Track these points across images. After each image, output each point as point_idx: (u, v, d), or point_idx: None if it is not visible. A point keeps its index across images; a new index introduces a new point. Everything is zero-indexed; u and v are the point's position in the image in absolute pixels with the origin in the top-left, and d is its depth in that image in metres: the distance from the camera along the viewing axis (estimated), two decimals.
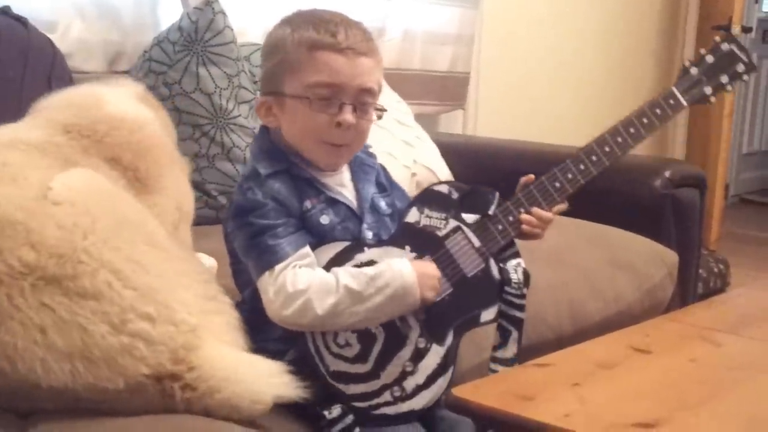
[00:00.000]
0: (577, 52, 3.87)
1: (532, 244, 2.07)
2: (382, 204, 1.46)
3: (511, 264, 1.45)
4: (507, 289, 1.43)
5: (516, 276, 1.44)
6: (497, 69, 3.45)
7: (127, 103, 1.59)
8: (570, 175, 1.50)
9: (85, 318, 1.15)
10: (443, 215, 1.44)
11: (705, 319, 1.69)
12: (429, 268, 1.39)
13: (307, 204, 1.36)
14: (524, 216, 1.46)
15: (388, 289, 1.33)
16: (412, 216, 1.44)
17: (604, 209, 2.39)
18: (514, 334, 1.44)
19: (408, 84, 2.87)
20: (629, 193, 2.46)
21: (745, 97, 5.92)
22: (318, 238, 1.35)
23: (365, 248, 1.37)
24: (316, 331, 1.35)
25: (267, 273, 1.31)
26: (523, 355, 1.62)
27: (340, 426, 1.31)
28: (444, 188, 1.47)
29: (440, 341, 1.41)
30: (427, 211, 1.44)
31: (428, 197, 1.46)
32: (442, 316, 1.41)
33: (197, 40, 2.15)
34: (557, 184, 1.49)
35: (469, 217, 1.45)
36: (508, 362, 1.44)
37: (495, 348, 1.44)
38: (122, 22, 2.24)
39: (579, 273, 2.06)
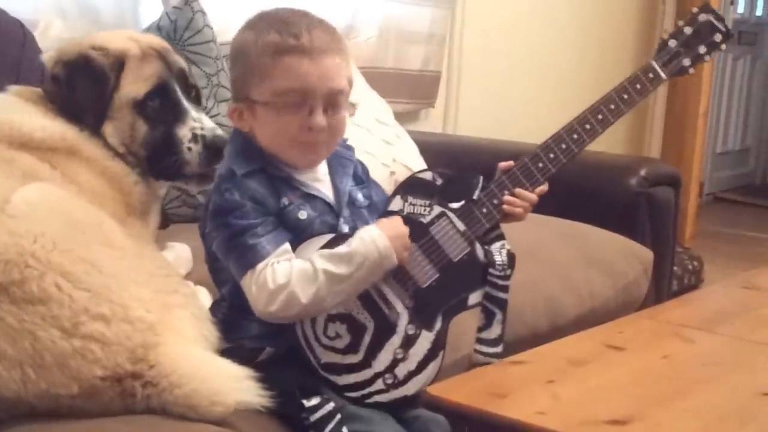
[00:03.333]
0: (555, 51, 3.88)
1: (508, 241, 2.10)
2: (360, 196, 1.46)
3: (496, 246, 1.46)
4: (491, 270, 1.44)
5: (500, 258, 1.45)
6: (476, 68, 3.46)
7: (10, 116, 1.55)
8: (552, 155, 1.51)
9: (34, 324, 1.14)
10: (427, 202, 1.45)
11: (679, 316, 1.71)
12: (398, 228, 1.39)
13: (285, 201, 1.36)
14: (508, 197, 1.47)
15: (366, 262, 1.33)
16: (396, 204, 1.45)
17: (579, 207, 2.40)
18: (499, 315, 1.45)
19: (382, 82, 2.88)
20: (605, 191, 2.48)
21: (720, 97, 5.97)
22: (297, 233, 1.36)
23: (349, 239, 1.36)
24: (306, 324, 1.36)
25: (249, 272, 1.32)
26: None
27: (320, 413, 1.31)
28: (427, 175, 1.48)
29: (429, 327, 1.42)
30: (410, 198, 1.45)
31: (412, 185, 1.47)
32: (430, 302, 1.42)
33: (176, 39, 2.14)
34: (540, 165, 1.50)
35: (454, 203, 1.46)
36: (492, 343, 1.45)
37: (480, 329, 1.45)
38: (102, 21, 2.23)
39: (554, 270, 2.08)
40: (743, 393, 1.37)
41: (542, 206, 2.37)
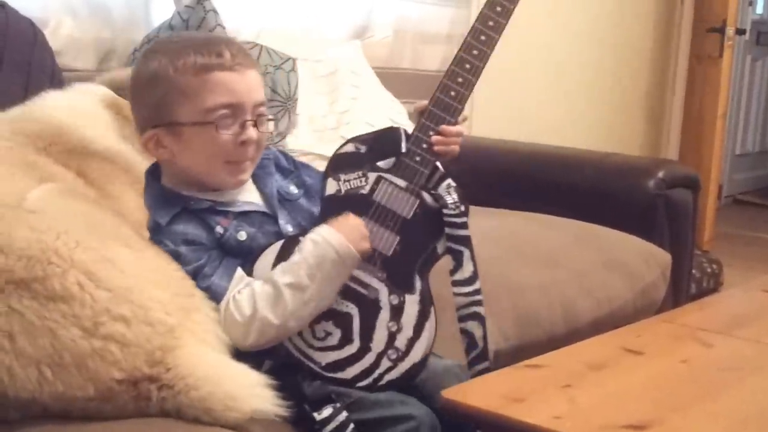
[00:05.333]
0: (572, 54, 3.86)
1: (523, 246, 2.09)
2: (291, 188, 1.45)
3: (443, 187, 1.44)
4: (445, 212, 1.42)
5: (451, 197, 1.42)
6: (492, 69, 3.43)
7: (74, 117, 1.56)
8: (460, 79, 1.47)
9: (55, 322, 1.13)
10: (360, 173, 1.43)
11: (697, 320, 1.69)
12: (348, 220, 1.37)
13: (219, 229, 1.34)
14: (435, 137, 1.44)
15: (325, 264, 1.32)
16: (331, 187, 1.43)
17: (597, 209, 2.39)
18: (466, 252, 1.42)
19: (398, 82, 2.86)
20: (622, 193, 2.46)
21: (739, 98, 5.93)
22: (243, 255, 1.35)
23: (300, 239, 1.35)
24: (293, 337, 1.35)
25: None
26: (515, 356, 1.62)
27: (333, 425, 1.30)
28: (349, 147, 1.45)
29: (411, 290, 1.40)
30: (342, 176, 1.43)
31: (338, 163, 1.45)
32: (402, 266, 1.41)
33: None
34: (452, 93, 1.46)
35: (385, 163, 1.43)
36: (468, 282, 1.42)
37: (452, 272, 1.42)
38: (113, 20, 2.23)
39: (572, 273, 2.05)
40: (763, 398, 1.34)
41: (559, 208, 2.40)
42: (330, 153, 1.48)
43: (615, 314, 2.06)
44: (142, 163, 1.54)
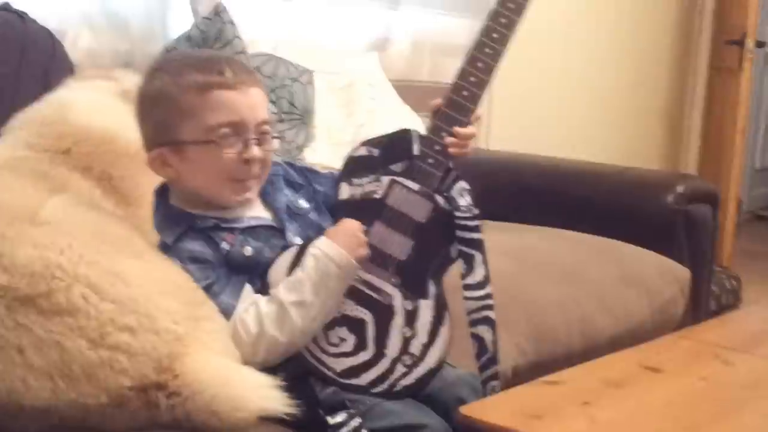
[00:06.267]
0: (589, 67, 3.85)
1: (540, 261, 2.07)
2: (301, 202, 1.45)
3: (456, 190, 1.42)
4: (458, 214, 1.40)
5: (463, 200, 1.41)
6: (510, 82, 3.42)
7: (94, 113, 1.57)
8: (473, 79, 1.46)
9: (62, 335, 1.14)
10: (372, 176, 1.42)
11: (717, 337, 1.68)
12: (345, 227, 1.37)
13: (225, 246, 1.34)
14: (448, 140, 1.43)
15: (328, 279, 1.32)
16: (345, 192, 1.43)
17: (615, 224, 2.38)
18: (478, 256, 1.40)
19: (416, 95, 2.85)
20: (641, 208, 2.44)
21: (758, 113, 5.89)
22: (250, 270, 1.35)
23: (302, 259, 1.35)
24: (308, 343, 1.35)
25: None
26: (533, 372, 1.60)
27: (345, 430, 1.30)
28: (362, 150, 1.45)
29: (424, 295, 1.40)
30: (355, 180, 1.43)
31: (352, 167, 1.44)
32: (416, 271, 1.40)
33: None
34: (465, 93, 1.45)
35: (398, 166, 1.42)
36: (479, 286, 1.40)
37: (464, 276, 1.41)
38: (131, 32, 2.23)
39: (590, 289, 2.04)
40: None
41: (577, 223, 2.38)
42: None
43: (633, 330, 2.04)
44: None
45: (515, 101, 3.49)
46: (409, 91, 2.81)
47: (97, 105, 1.61)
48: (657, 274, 2.23)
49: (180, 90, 1.32)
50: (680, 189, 2.42)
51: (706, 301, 2.49)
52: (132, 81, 1.71)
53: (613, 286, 2.10)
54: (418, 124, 2.61)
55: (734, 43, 4.14)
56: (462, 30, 3.08)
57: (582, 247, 2.21)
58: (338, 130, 2.41)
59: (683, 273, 2.31)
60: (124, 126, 1.56)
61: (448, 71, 3.03)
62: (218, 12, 2.18)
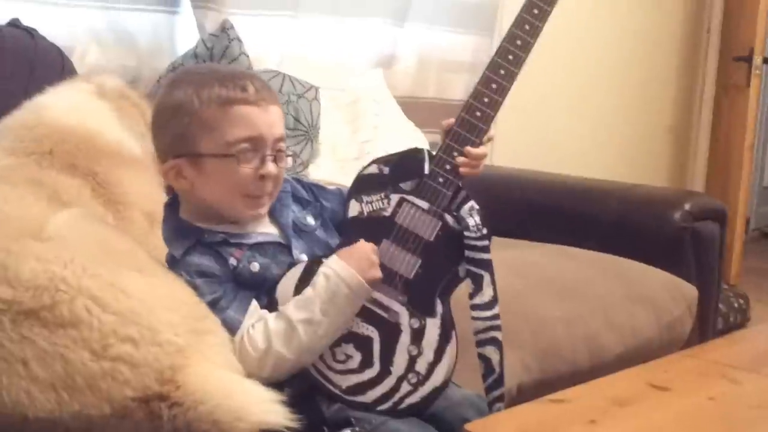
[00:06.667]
0: (596, 83, 3.85)
1: (546, 278, 2.07)
2: (308, 219, 1.45)
3: (465, 209, 1.42)
4: (467, 234, 1.40)
5: (473, 220, 1.41)
6: (517, 98, 3.42)
7: (72, 113, 1.57)
8: (486, 99, 1.46)
9: (65, 347, 1.15)
10: (382, 194, 1.42)
11: (725, 356, 1.67)
12: (358, 249, 1.37)
13: (233, 261, 1.34)
14: (459, 159, 1.43)
15: (338, 299, 1.32)
16: (354, 209, 1.43)
17: (622, 242, 2.37)
18: (486, 276, 1.40)
19: (422, 111, 2.86)
20: (648, 225, 2.43)
21: (766, 130, 5.88)
22: (257, 286, 1.35)
23: (313, 278, 1.35)
24: (315, 361, 1.35)
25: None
26: (538, 389, 1.60)
27: None
28: (373, 168, 1.45)
29: (432, 313, 1.40)
30: (365, 198, 1.43)
31: (362, 184, 1.45)
32: (424, 289, 1.40)
33: None
34: (478, 114, 1.45)
35: (408, 184, 1.43)
36: (487, 306, 1.40)
37: (471, 295, 1.41)
38: (139, 48, 2.25)
39: (596, 306, 2.03)
40: None
41: (584, 240, 2.38)
42: (351, 183, 1.47)
43: (640, 349, 2.03)
44: (144, 147, 1.53)
45: (522, 118, 3.49)
46: (415, 108, 2.82)
47: (74, 105, 1.62)
48: (664, 292, 2.22)
49: (201, 103, 1.33)
50: (687, 206, 2.41)
51: (713, 320, 2.48)
52: (113, 82, 1.71)
53: (619, 303, 2.09)
54: (422, 140, 2.61)
55: (742, 60, 4.14)
56: (468, 47, 3.09)
57: (588, 265, 2.20)
58: (343, 146, 2.42)
59: (690, 291, 2.30)
60: (101, 124, 1.57)
61: (453, 88, 3.06)
62: (225, 29, 2.19)
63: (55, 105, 1.60)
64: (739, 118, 4.16)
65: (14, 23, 1.96)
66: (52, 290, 1.17)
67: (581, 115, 3.81)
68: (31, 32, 1.96)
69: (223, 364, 1.26)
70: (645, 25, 4.01)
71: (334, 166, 2.35)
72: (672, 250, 2.38)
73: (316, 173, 2.29)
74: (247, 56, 2.22)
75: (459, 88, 3.09)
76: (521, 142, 3.47)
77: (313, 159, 2.34)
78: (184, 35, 2.34)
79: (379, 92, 2.65)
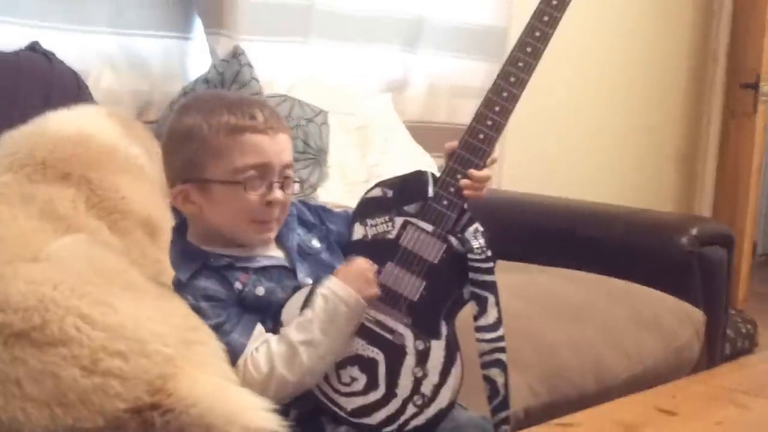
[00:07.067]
0: (604, 108, 3.86)
1: (553, 302, 2.07)
2: (314, 242, 1.45)
3: (469, 231, 1.42)
4: (471, 256, 1.40)
5: (477, 242, 1.41)
6: (524, 123, 3.44)
7: (69, 121, 1.58)
8: (489, 122, 1.46)
9: (56, 364, 1.17)
10: (386, 217, 1.43)
11: (733, 381, 1.67)
12: (354, 266, 1.38)
13: (238, 285, 1.35)
14: (463, 182, 1.43)
15: (337, 319, 1.33)
16: (358, 233, 1.44)
17: (629, 266, 2.37)
18: (491, 298, 1.40)
19: (432, 136, 2.87)
20: (656, 250, 2.43)
21: None
22: (262, 310, 1.35)
23: (311, 299, 1.35)
24: (319, 381, 1.36)
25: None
26: (545, 413, 1.60)
27: None
28: (377, 192, 1.46)
29: (437, 335, 1.40)
30: (369, 221, 1.44)
31: (365, 207, 1.45)
32: (428, 311, 1.40)
33: None
34: (481, 136, 1.45)
35: (412, 207, 1.43)
36: (492, 328, 1.40)
37: (476, 317, 1.41)
38: (151, 73, 2.27)
39: (603, 330, 2.03)
40: None
41: (591, 265, 2.38)
42: None
43: (647, 373, 2.02)
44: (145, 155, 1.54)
45: (529, 142, 3.51)
46: (425, 133, 2.83)
47: (72, 115, 1.63)
48: (671, 317, 2.22)
49: (211, 129, 1.34)
50: (694, 231, 2.41)
51: (721, 345, 2.47)
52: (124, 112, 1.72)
53: (627, 328, 2.09)
54: (431, 164, 2.62)
55: (748, 86, 4.15)
56: (477, 73, 3.11)
57: (595, 289, 2.20)
58: (352, 169, 2.43)
59: (698, 316, 2.29)
60: (97, 129, 1.57)
61: (463, 113, 3.07)
62: (236, 54, 2.21)
63: (53, 116, 1.61)
64: (746, 143, 4.17)
65: (33, 47, 1.99)
66: (42, 311, 1.19)
67: (588, 139, 3.82)
68: (48, 56, 1.98)
69: (214, 372, 1.26)
70: (652, 52, 4.03)
71: (343, 189, 2.36)
72: (679, 275, 2.38)
73: (325, 196, 2.30)
74: (258, 81, 2.24)
75: (469, 113, 3.08)
76: (528, 167, 3.49)
77: (321, 182, 2.36)
78: (196, 60, 2.36)
79: (388, 117, 2.66)
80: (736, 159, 4.23)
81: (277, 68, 2.49)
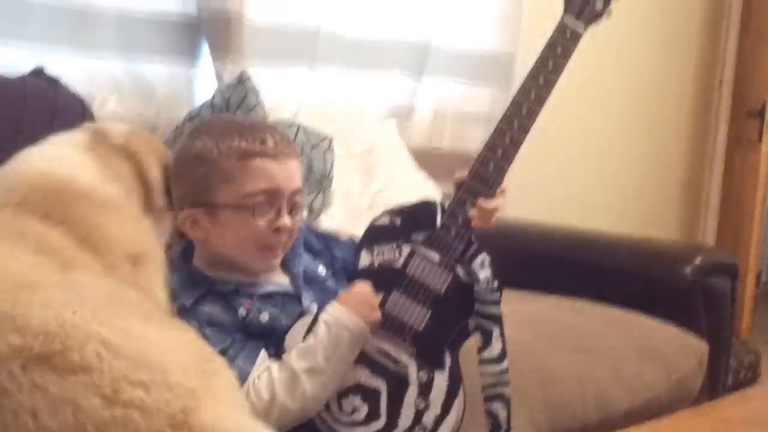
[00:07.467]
0: (607, 136, 3.87)
1: (555, 332, 2.06)
2: (319, 269, 1.46)
3: (477, 262, 1.42)
4: (477, 288, 1.40)
5: (483, 273, 1.41)
6: (528, 150, 3.43)
7: (46, 162, 1.56)
8: (500, 151, 1.46)
9: (76, 392, 1.13)
10: (394, 245, 1.43)
11: (735, 414, 1.66)
12: (357, 291, 1.37)
13: (242, 311, 1.36)
14: (472, 212, 1.43)
15: (340, 346, 1.33)
16: (365, 260, 1.44)
17: (631, 295, 2.36)
18: (496, 331, 1.40)
19: (438, 163, 2.88)
20: (659, 279, 2.42)
21: None
22: (266, 336, 1.36)
23: (314, 326, 1.35)
24: (321, 410, 1.35)
25: None
26: None
27: None
28: (385, 220, 1.46)
29: (440, 366, 1.40)
30: (376, 248, 1.44)
31: (373, 235, 1.46)
32: (433, 342, 1.40)
33: None
34: (491, 166, 1.45)
35: (420, 236, 1.43)
36: (497, 360, 1.40)
37: (480, 349, 1.41)
38: (157, 98, 2.28)
39: (605, 360, 2.02)
40: None
41: (593, 293, 2.37)
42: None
43: (649, 404, 2.01)
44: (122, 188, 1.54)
45: (531, 168, 3.50)
46: (430, 159, 2.84)
47: (49, 155, 1.60)
48: (674, 347, 2.21)
49: (221, 153, 1.35)
50: (698, 261, 2.40)
51: (724, 376, 2.46)
52: (118, 129, 1.69)
53: (629, 358, 2.08)
54: (435, 191, 2.63)
55: (754, 115, 4.15)
56: (483, 99, 3.12)
57: (598, 318, 2.20)
58: (356, 196, 2.43)
59: (701, 346, 2.28)
60: (72, 171, 1.54)
61: (469, 139, 3.08)
62: (242, 79, 2.22)
63: (31, 153, 1.60)
64: (751, 172, 4.17)
65: (38, 72, 2.00)
66: (63, 336, 1.16)
67: (591, 165, 3.82)
68: (54, 82, 1.99)
69: (232, 403, 1.25)
70: (657, 79, 4.03)
71: (347, 215, 2.36)
72: (682, 305, 2.37)
73: (328, 222, 2.30)
74: (263, 107, 2.24)
75: (475, 140, 3.10)
76: (531, 193, 3.48)
77: (325, 208, 2.36)
78: (203, 86, 2.37)
79: (393, 143, 2.67)
80: (740, 187, 4.23)
81: (282, 94, 2.49)
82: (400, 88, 2.87)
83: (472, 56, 3.04)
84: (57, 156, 1.58)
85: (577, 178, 3.74)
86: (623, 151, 3.95)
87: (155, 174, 1.58)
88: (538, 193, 3.53)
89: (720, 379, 2.40)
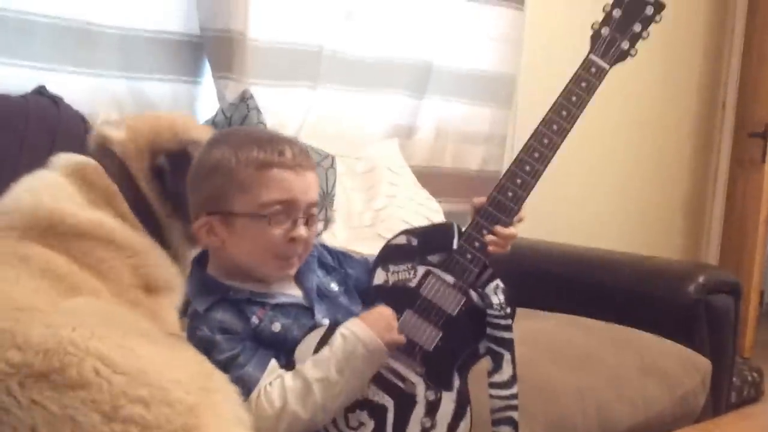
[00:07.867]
0: (611, 156, 3.87)
1: (559, 349, 2.06)
2: (332, 285, 1.46)
3: (490, 287, 1.43)
4: (490, 312, 1.41)
5: (497, 298, 1.42)
6: None
7: (40, 196, 1.55)
8: (519, 180, 1.48)
9: (75, 409, 1.14)
10: (409, 265, 1.44)
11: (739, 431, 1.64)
12: (378, 312, 1.38)
13: (255, 320, 1.35)
14: (489, 238, 1.45)
15: (355, 359, 1.32)
16: (379, 278, 1.45)
17: (635, 313, 2.36)
18: (507, 355, 1.40)
19: (439, 181, 2.88)
20: (662, 297, 2.42)
21: None
22: (278, 346, 1.35)
23: (330, 338, 1.35)
24: (328, 424, 1.35)
25: (245, 404, 1.31)
26: None
27: None
28: (402, 239, 1.47)
29: (448, 387, 1.40)
30: (392, 267, 1.45)
31: (389, 253, 1.46)
32: (442, 363, 1.40)
33: None
34: (510, 194, 1.47)
35: (436, 257, 1.44)
36: (506, 385, 1.40)
37: (490, 373, 1.41)
38: None
39: (608, 378, 2.01)
40: None
41: (597, 311, 2.37)
42: (365, 251, 1.49)
43: (652, 422, 2.01)
44: (118, 229, 1.55)
45: (537, 189, 3.50)
46: (432, 178, 2.84)
47: (39, 190, 1.57)
48: (677, 365, 2.20)
49: (239, 163, 1.35)
50: (701, 279, 2.40)
51: (727, 394, 2.45)
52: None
53: (632, 375, 2.07)
54: (436, 209, 2.63)
55: (757, 136, 4.16)
56: (485, 119, 3.13)
57: (601, 336, 2.19)
58: (358, 214, 2.43)
59: (704, 364, 2.27)
60: (61, 205, 1.53)
61: (470, 159, 3.08)
62: (244, 98, 2.23)
63: (25, 187, 1.58)
64: (753, 192, 4.17)
65: (40, 91, 2.00)
66: (61, 353, 1.17)
67: (596, 187, 3.82)
68: (56, 100, 1.99)
69: (232, 419, 1.25)
70: (660, 101, 4.04)
71: (349, 233, 2.37)
72: (686, 323, 2.37)
73: (330, 240, 2.30)
74: (265, 125, 2.25)
75: (476, 159, 3.12)
76: (535, 213, 3.47)
77: (327, 226, 2.36)
78: (205, 104, 2.38)
79: (395, 161, 2.67)
80: (743, 207, 4.23)
81: (285, 113, 2.50)
82: (402, 107, 2.88)
83: (473, 76, 3.05)
84: (44, 191, 1.56)
85: (582, 198, 3.74)
86: (628, 172, 3.96)
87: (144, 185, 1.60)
88: (542, 213, 3.52)
89: (723, 397, 2.39)
